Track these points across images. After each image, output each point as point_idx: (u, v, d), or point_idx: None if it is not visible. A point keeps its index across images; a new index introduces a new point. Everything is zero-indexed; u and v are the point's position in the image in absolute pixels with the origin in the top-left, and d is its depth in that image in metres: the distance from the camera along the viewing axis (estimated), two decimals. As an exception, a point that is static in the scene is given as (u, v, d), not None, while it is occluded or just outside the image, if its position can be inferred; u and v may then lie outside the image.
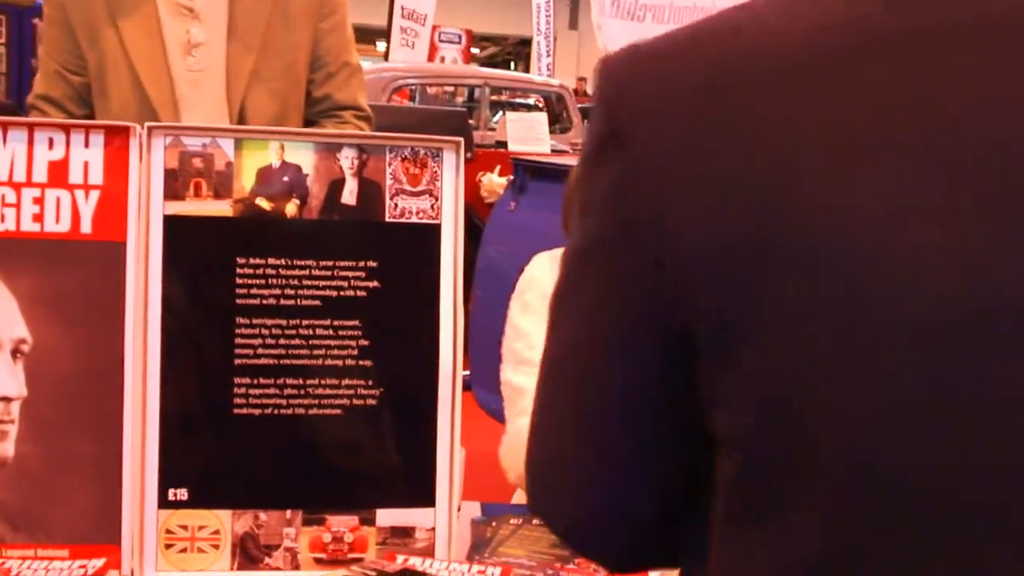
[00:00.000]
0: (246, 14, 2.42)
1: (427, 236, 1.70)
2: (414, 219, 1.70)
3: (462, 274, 1.71)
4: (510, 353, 2.11)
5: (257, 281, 1.66)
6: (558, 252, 2.17)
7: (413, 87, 9.83)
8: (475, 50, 24.70)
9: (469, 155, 6.66)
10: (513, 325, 2.13)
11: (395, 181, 1.70)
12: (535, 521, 1.91)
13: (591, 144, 0.81)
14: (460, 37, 18.68)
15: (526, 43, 21.38)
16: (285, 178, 1.68)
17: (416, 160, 1.70)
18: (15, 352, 1.64)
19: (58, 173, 1.65)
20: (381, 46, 15.89)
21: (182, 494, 1.67)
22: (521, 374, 2.07)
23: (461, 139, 1.72)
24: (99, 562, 1.63)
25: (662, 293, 0.74)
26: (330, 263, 1.68)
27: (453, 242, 1.70)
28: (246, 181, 1.67)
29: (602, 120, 0.79)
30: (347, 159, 1.69)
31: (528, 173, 4.53)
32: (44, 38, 2.47)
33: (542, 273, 2.13)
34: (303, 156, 1.68)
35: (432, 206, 1.70)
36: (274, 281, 1.67)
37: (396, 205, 1.70)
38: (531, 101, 11.76)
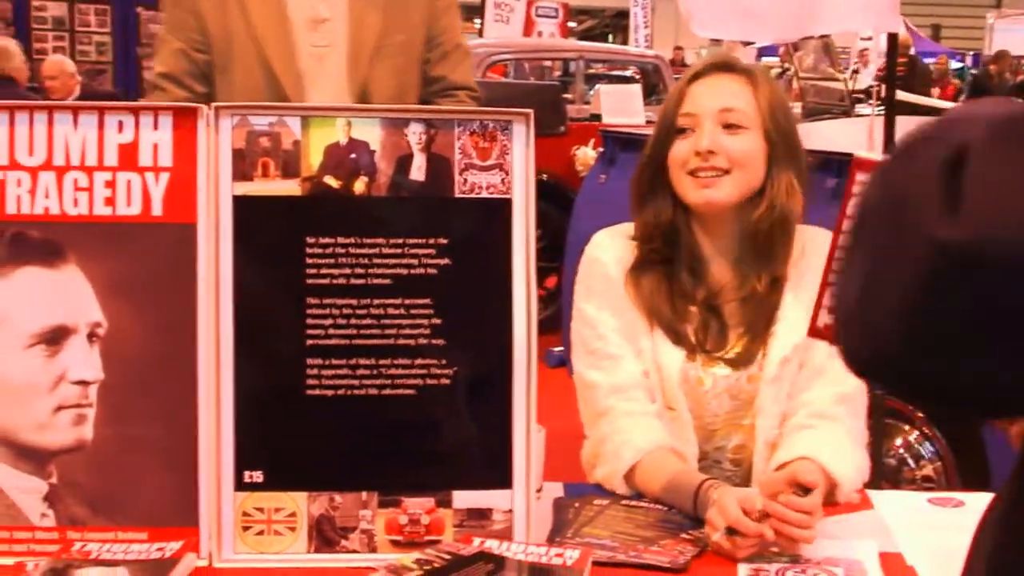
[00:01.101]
0: None
1: (498, 211, 1.66)
2: (484, 194, 1.66)
3: (535, 249, 1.67)
4: (579, 341, 2.05)
5: (327, 260, 1.64)
6: (620, 228, 2.09)
7: (508, 62, 9.79)
8: (572, 24, 24.53)
9: (563, 129, 6.60)
10: (578, 309, 2.06)
11: (464, 156, 1.66)
12: (624, 502, 1.86)
13: None
14: (557, 11, 18.53)
15: (623, 15, 21.16)
16: (352, 155, 1.65)
17: (485, 134, 1.66)
18: (91, 336, 1.65)
19: (128, 156, 1.65)
20: (478, 22, 15.86)
21: (258, 476, 1.66)
22: (591, 367, 2.01)
23: (531, 111, 1.68)
24: (177, 544, 1.63)
25: None
26: (400, 241, 1.65)
27: (525, 216, 1.66)
28: (314, 159, 1.65)
29: None
30: (414, 134, 1.66)
31: (617, 145, 4.47)
32: (167, 16, 2.51)
33: (604, 252, 2.05)
34: (370, 132, 1.66)
35: (502, 180, 1.66)
36: (344, 260, 1.65)
37: (466, 180, 1.66)
38: (628, 73, 11.64)
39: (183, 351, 1.65)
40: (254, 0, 2.43)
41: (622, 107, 6.39)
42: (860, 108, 8.16)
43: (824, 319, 1.52)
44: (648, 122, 6.51)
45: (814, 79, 8.30)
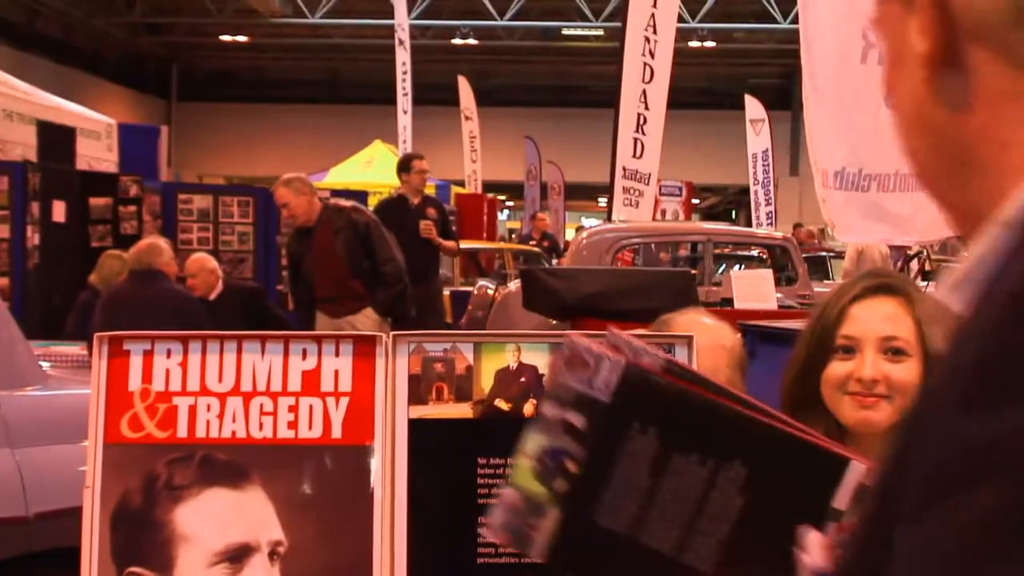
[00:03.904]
0: None
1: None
2: (650, 415, 1.71)
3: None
4: None
5: (497, 480, 1.70)
6: None
7: (636, 247, 9.95)
8: (695, 200, 24.80)
9: (695, 314, 6.65)
10: None
11: (629, 378, 1.72)
12: None
13: None
14: (680, 189, 18.83)
15: (747, 191, 21.38)
16: (522, 379, 1.73)
17: (649, 357, 1.72)
18: (272, 554, 1.72)
19: (311, 382, 1.75)
20: (603, 201, 16.18)
21: None
22: None
23: (692, 336, 1.74)
24: None
25: None
26: (568, 461, 1.70)
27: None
28: (485, 383, 1.73)
29: None
30: (582, 358, 1.72)
31: (758, 338, 4.49)
32: None
33: None
34: (538, 357, 1.73)
35: (667, 402, 1.71)
36: (514, 480, 1.70)
37: (631, 402, 1.71)
38: (754, 253, 11.71)
39: (358, 567, 1.70)
40: None
41: (755, 292, 6.43)
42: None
43: None
44: (781, 307, 6.53)
45: (948, 260, 8.27)
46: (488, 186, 20.57)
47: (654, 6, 9.82)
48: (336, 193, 11.76)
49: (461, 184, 18.80)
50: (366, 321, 6.99)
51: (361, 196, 11.09)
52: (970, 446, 0.52)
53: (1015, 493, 0.49)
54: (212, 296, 7.51)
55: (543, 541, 1.18)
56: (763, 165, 17.90)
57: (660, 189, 16.53)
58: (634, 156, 9.85)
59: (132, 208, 10.07)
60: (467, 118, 18.81)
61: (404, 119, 15.08)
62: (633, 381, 1.15)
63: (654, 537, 1.16)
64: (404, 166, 9.09)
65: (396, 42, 15.30)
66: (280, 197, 7.34)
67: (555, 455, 1.18)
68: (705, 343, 2.00)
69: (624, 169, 9.85)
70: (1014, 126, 0.61)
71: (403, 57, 15.17)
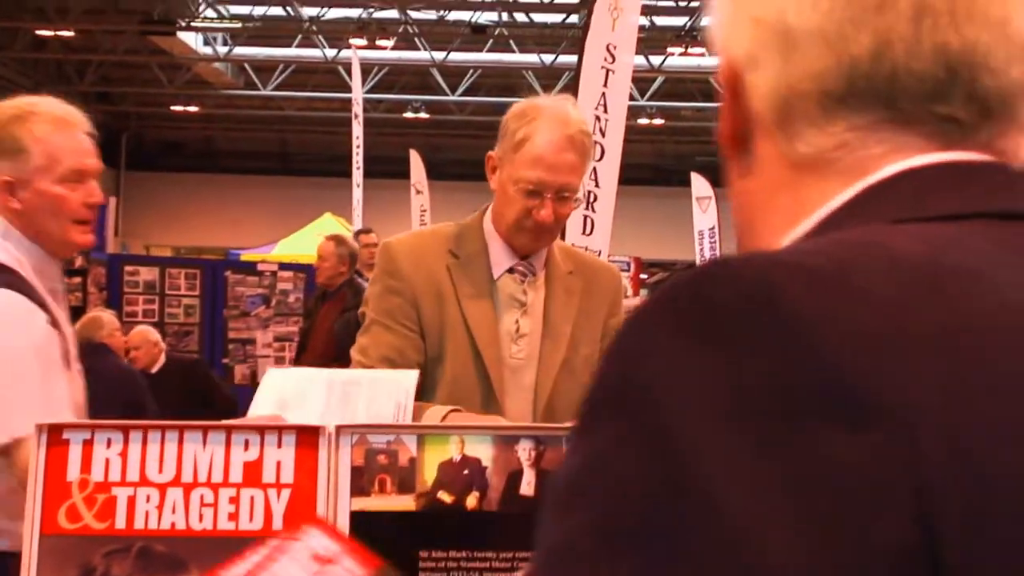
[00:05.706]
0: (558, 310, 2.62)
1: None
2: (592, 509, 1.72)
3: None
4: None
5: (439, 574, 1.69)
6: None
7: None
8: (644, 275, 24.97)
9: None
10: None
11: (572, 471, 1.73)
12: None
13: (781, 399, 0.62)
14: (629, 265, 18.99)
15: (694, 267, 21.56)
16: (465, 471, 1.73)
17: (592, 450, 1.73)
18: (210, 648, 1.69)
19: (252, 473, 1.73)
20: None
21: None
22: None
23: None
24: None
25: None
26: (509, 555, 1.70)
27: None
28: (428, 475, 1.72)
29: (817, 370, 0.62)
30: (524, 451, 1.73)
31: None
32: (381, 306, 2.58)
33: None
34: (482, 449, 1.73)
35: (610, 495, 1.72)
36: (456, 573, 1.69)
37: (574, 495, 1.72)
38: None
39: (298, 663, 1.68)
40: (471, 308, 2.56)
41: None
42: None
43: None
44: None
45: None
46: (438, 259, 20.57)
47: (604, 85, 9.94)
48: (284, 267, 11.74)
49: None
50: None
51: (310, 269, 11.05)
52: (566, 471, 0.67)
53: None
54: (154, 369, 7.45)
55: None
56: (710, 242, 18.09)
57: (609, 264, 16.64)
58: (584, 233, 9.90)
59: (77, 280, 9.98)
60: (418, 191, 18.87)
61: (358, 193, 15.09)
62: None
63: None
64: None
65: (352, 115, 15.35)
66: (321, 248, 7.36)
67: None
68: None
69: (574, 246, 9.89)
70: (776, 196, 0.80)
71: (358, 131, 15.22)
